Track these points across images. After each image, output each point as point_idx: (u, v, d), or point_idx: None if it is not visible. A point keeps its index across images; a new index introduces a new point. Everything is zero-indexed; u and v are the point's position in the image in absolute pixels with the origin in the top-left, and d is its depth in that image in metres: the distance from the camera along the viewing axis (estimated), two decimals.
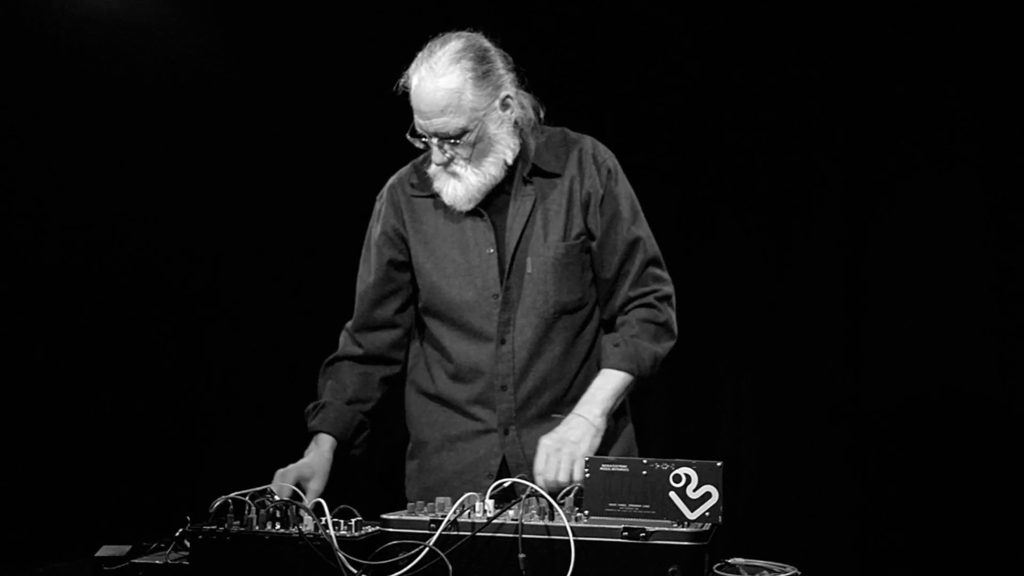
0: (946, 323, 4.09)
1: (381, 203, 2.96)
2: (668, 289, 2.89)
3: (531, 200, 2.81)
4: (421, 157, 2.90)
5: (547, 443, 2.65)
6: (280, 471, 2.65)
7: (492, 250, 2.80)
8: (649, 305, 2.84)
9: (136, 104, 4.42)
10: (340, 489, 2.81)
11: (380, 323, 2.94)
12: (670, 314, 2.87)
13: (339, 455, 2.83)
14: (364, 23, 4.38)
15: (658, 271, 2.89)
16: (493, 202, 2.82)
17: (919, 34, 4.11)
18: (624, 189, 2.90)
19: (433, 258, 2.86)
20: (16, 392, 4.31)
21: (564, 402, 2.80)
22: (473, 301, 2.82)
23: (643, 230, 2.89)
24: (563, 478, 2.59)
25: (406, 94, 2.73)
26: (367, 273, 2.95)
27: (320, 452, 2.80)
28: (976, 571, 4.02)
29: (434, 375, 2.91)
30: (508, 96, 2.77)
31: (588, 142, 2.90)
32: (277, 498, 2.36)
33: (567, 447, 2.63)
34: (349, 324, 2.97)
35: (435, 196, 2.83)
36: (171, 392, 4.51)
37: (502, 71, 2.76)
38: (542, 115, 2.86)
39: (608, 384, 2.75)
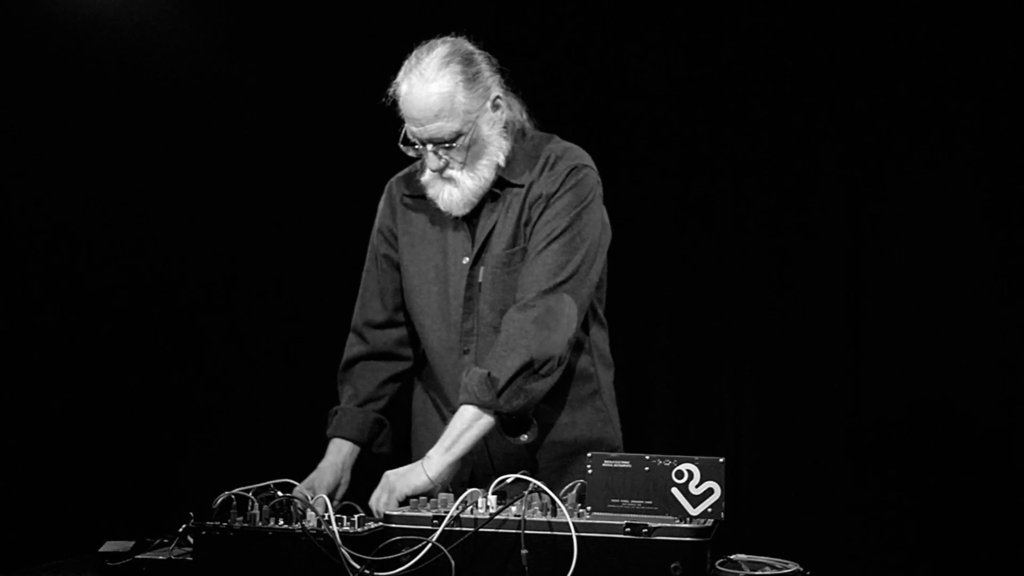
0: (948, 324, 4.09)
1: (382, 200, 2.98)
2: (541, 307, 2.66)
3: (497, 212, 2.79)
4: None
5: (386, 473, 2.63)
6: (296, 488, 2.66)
7: (467, 260, 2.80)
8: (508, 317, 2.69)
9: (136, 105, 4.42)
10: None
11: (382, 321, 2.95)
12: (525, 328, 2.64)
13: (363, 456, 2.86)
14: (370, 26, 4.37)
15: (554, 287, 2.67)
16: (476, 212, 2.81)
17: (920, 34, 4.10)
18: (576, 195, 2.75)
19: (416, 262, 2.87)
20: (19, 389, 4.31)
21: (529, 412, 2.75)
22: (443, 309, 2.82)
23: (572, 238, 2.71)
24: (379, 507, 2.55)
25: (395, 103, 2.73)
26: (368, 269, 2.98)
27: (330, 460, 2.83)
28: (977, 569, 4.02)
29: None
30: (498, 96, 2.76)
31: (559, 148, 2.82)
32: (281, 494, 2.37)
33: (391, 480, 2.59)
34: (354, 322, 2.98)
35: (426, 199, 2.82)
36: (174, 388, 4.51)
37: (489, 73, 2.76)
38: (525, 117, 2.84)
39: (456, 421, 2.65)
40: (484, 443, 2.74)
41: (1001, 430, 4.06)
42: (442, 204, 2.78)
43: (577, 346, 2.80)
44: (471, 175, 2.75)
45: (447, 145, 2.71)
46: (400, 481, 2.58)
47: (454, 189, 2.76)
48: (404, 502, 2.53)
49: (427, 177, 2.78)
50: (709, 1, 4.28)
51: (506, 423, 2.69)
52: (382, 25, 4.23)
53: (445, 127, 2.69)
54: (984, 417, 4.08)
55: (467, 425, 2.63)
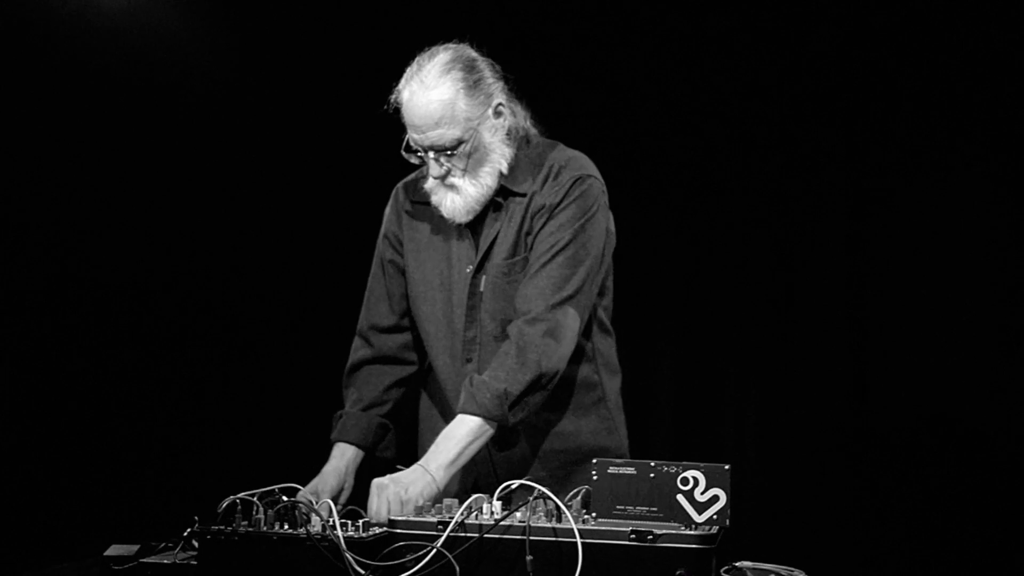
0: (952, 330, 4.09)
1: (388, 205, 2.99)
2: (551, 321, 2.66)
3: (500, 221, 2.79)
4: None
5: (377, 481, 2.56)
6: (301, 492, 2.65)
7: (470, 268, 2.80)
8: (518, 330, 2.67)
9: (142, 108, 4.43)
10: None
11: (388, 325, 2.95)
12: (536, 342, 2.64)
13: (367, 460, 2.86)
14: (377, 31, 4.37)
15: (558, 302, 2.67)
16: (479, 220, 2.81)
17: (924, 35, 4.10)
18: (581, 207, 2.74)
19: (421, 269, 2.87)
20: (24, 391, 4.31)
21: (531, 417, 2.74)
22: (448, 317, 2.82)
23: (577, 251, 2.71)
24: (385, 513, 2.48)
25: (398, 109, 2.73)
26: (374, 273, 2.99)
27: (334, 465, 2.83)
28: None
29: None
30: (500, 104, 2.76)
31: (563, 157, 2.81)
32: (286, 498, 2.37)
33: (394, 487, 2.52)
34: (360, 326, 2.98)
35: (431, 205, 2.82)
36: (179, 391, 4.51)
37: (491, 79, 2.76)
38: (529, 123, 2.84)
39: (457, 431, 2.63)
40: (488, 451, 2.74)
41: (1007, 437, 4.05)
42: (445, 211, 2.78)
43: (580, 354, 2.80)
44: (473, 182, 2.74)
45: (448, 152, 2.71)
46: (411, 490, 2.51)
47: (456, 196, 2.75)
48: None
49: (430, 184, 2.78)
50: (712, 7, 4.28)
51: (499, 435, 2.68)
52: (389, 30, 4.23)
53: (446, 135, 2.69)
54: (990, 424, 4.08)
55: (473, 436, 2.62)
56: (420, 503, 2.50)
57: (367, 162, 3.69)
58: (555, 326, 2.67)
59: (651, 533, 2.20)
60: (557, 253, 2.71)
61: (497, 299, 2.77)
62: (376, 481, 2.56)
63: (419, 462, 2.61)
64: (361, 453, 2.88)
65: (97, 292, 4.45)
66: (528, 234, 2.77)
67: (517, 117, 2.81)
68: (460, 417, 2.64)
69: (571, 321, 2.70)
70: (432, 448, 2.63)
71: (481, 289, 2.79)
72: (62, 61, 4.36)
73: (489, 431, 2.64)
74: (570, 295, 2.69)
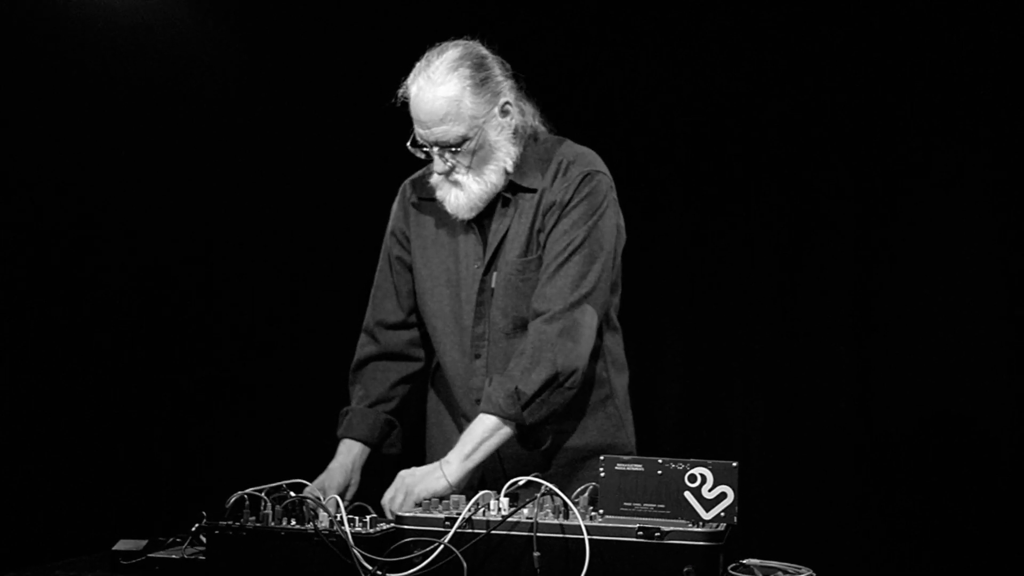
0: (956, 331, 4.08)
1: (395, 202, 2.99)
2: (568, 319, 2.67)
3: (510, 216, 2.80)
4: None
5: (401, 474, 2.65)
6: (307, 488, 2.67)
7: (479, 264, 2.81)
8: (535, 329, 2.69)
9: (148, 106, 4.43)
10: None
11: (395, 322, 2.96)
12: (552, 341, 2.66)
13: (373, 457, 2.88)
14: (387, 27, 4.37)
15: (576, 301, 2.69)
16: (487, 215, 2.82)
17: (935, 44, 4.10)
18: (591, 204, 2.75)
19: (428, 265, 2.88)
20: (33, 387, 4.32)
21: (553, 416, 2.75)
22: (456, 313, 2.83)
23: (592, 249, 2.72)
24: (394, 507, 2.56)
25: (406, 104, 2.74)
26: (381, 269, 2.99)
27: (340, 461, 2.84)
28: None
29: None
30: (507, 102, 2.76)
31: (571, 152, 2.82)
32: (293, 494, 2.37)
33: (408, 480, 2.61)
34: (366, 322, 2.99)
35: (438, 201, 2.83)
36: (187, 387, 4.52)
37: (500, 78, 2.76)
38: (538, 121, 2.84)
39: (475, 429, 2.66)
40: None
41: (1012, 435, 4.05)
42: (449, 207, 2.79)
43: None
44: (477, 180, 2.75)
45: (453, 149, 2.71)
46: (419, 485, 2.59)
47: (460, 193, 2.76)
48: (418, 505, 2.54)
49: (435, 179, 2.79)
50: (724, 11, 4.27)
51: (523, 433, 2.70)
52: (400, 27, 4.22)
53: (451, 131, 2.70)
54: (995, 423, 4.07)
55: (488, 434, 2.64)
56: (425, 496, 2.52)
57: (374, 158, 3.69)
58: (572, 324, 2.68)
59: (658, 530, 2.20)
60: (573, 252, 2.72)
61: (510, 296, 2.78)
62: (400, 473, 2.64)
63: (445, 457, 2.65)
64: (367, 449, 2.89)
65: (105, 288, 4.46)
66: (540, 232, 2.77)
67: (525, 116, 2.81)
68: (479, 416, 2.67)
69: (589, 319, 2.71)
70: (456, 444, 2.67)
71: (493, 285, 2.79)
72: (66, 60, 4.36)
73: (506, 430, 2.66)
74: (588, 292, 2.71)
